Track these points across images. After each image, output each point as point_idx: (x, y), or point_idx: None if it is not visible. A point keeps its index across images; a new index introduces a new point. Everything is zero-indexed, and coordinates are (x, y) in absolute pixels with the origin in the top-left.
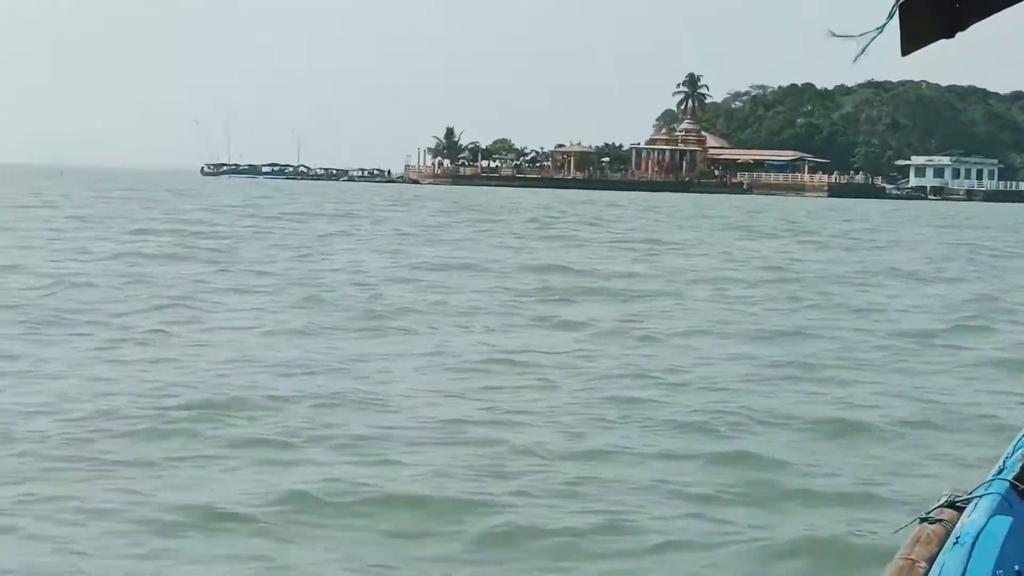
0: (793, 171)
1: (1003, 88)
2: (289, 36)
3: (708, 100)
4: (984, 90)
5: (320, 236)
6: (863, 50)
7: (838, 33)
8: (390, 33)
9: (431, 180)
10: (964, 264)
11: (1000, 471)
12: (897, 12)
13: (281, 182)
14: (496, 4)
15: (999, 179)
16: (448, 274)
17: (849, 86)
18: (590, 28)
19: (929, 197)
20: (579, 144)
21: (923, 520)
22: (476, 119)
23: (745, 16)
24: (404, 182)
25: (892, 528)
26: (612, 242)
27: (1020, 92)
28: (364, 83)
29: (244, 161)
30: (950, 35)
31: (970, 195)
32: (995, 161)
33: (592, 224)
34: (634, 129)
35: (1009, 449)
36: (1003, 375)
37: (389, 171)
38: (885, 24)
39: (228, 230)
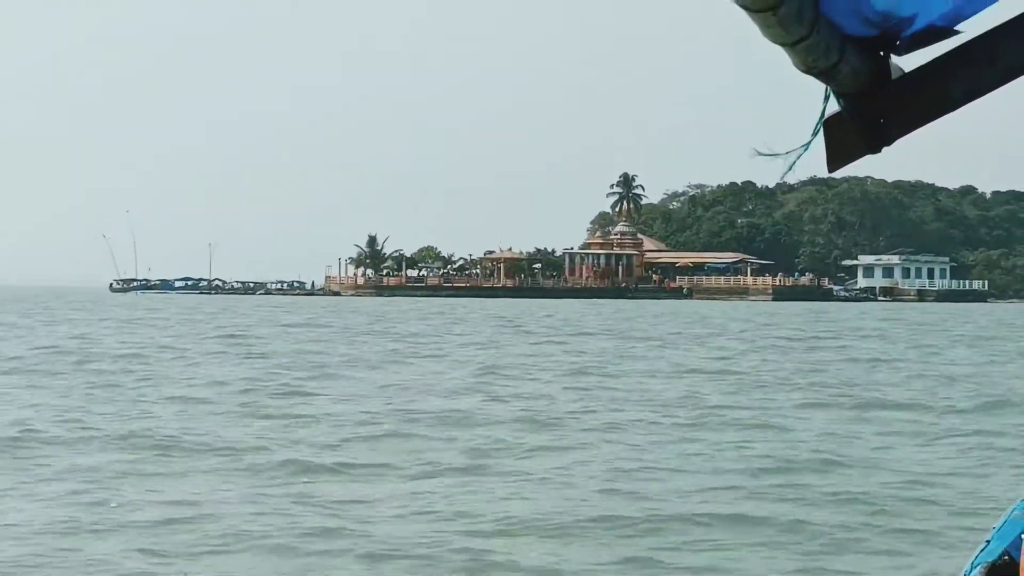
0: (735, 274)
1: (952, 183)
2: (200, 137)
3: (644, 201)
4: (932, 185)
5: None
6: (789, 168)
7: (763, 151)
8: (308, 137)
9: (353, 291)
10: None
11: None
12: (822, 129)
13: (195, 297)
14: (419, 107)
15: (951, 278)
16: None
17: (791, 184)
18: (520, 129)
19: (879, 298)
20: (510, 250)
21: None
22: (401, 227)
23: (681, 114)
24: (325, 294)
25: None
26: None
27: (970, 187)
28: (281, 191)
29: (154, 275)
30: (876, 151)
31: (921, 295)
32: (946, 259)
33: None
34: (570, 233)
35: (967, 566)
36: None
37: (313, 283)
38: (810, 141)
39: None
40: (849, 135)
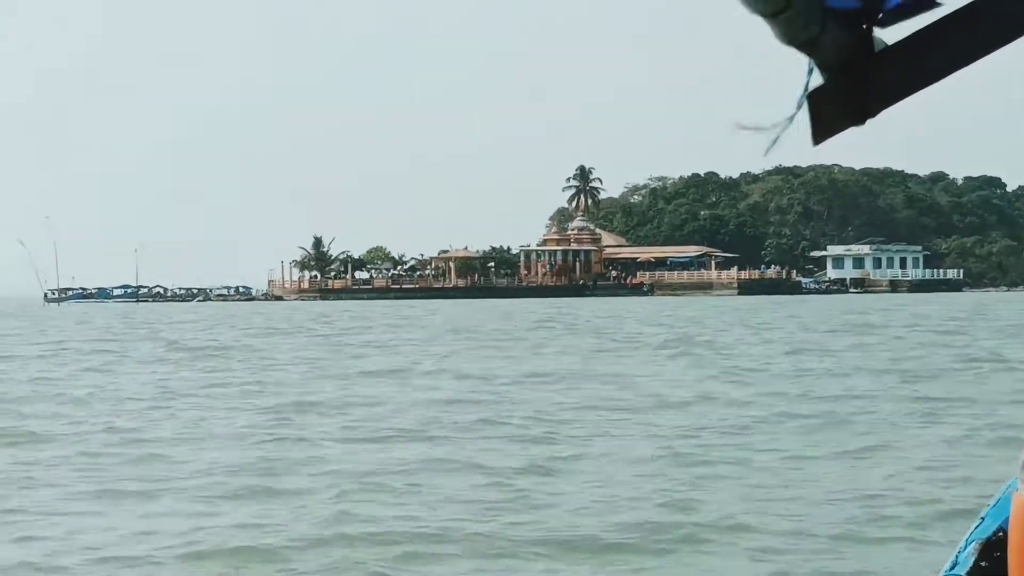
0: (699, 268)
1: (922, 169)
2: (124, 137)
3: (603, 195)
4: (902, 172)
5: None
6: (773, 142)
7: (746, 125)
8: (246, 136)
9: (296, 296)
10: None
11: (953, 566)
12: (806, 102)
13: (132, 306)
14: (370, 96)
15: (924, 267)
16: None
17: (756, 174)
18: (475, 122)
19: (850, 290)
20: (465, 249)
21: None
22: (350, 228)
23: (640, 103)
24: (267, 299)
25: None
26: None
27: (941, 173)
28: (216, 190)
29: (78, 283)
30: (861, 122)
31: (894, 286)
32: (919, 248)
33: None
34: (529, 231)
35: (962, 543)
36: None
37: (260, 289)
38: (794, 115)
39: None
40: (833, 108)
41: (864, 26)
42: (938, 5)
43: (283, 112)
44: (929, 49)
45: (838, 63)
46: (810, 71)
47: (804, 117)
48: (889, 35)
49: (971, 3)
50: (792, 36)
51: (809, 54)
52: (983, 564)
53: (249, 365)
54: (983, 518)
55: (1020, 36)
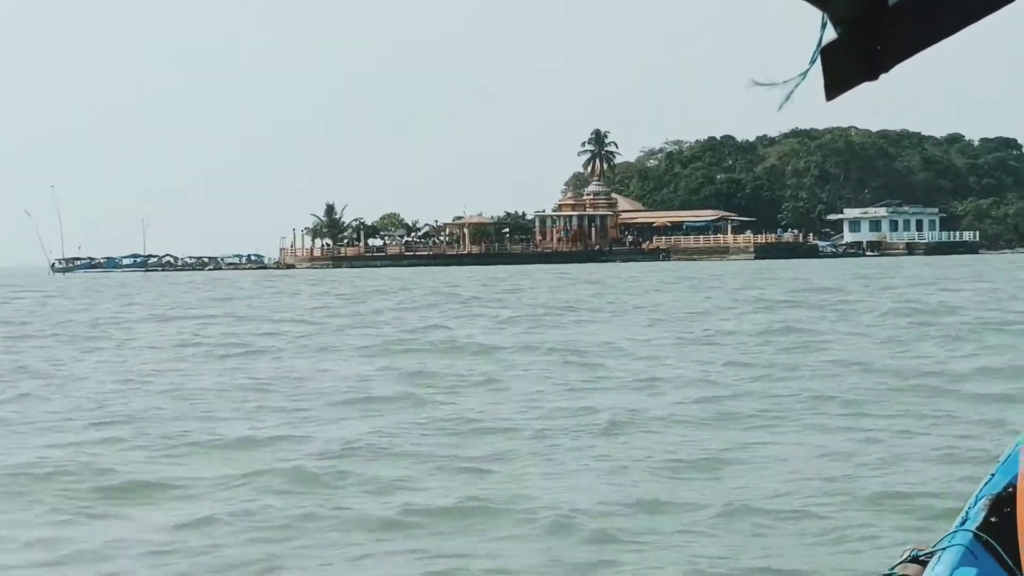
0: (715, 232)
1: (938, 131)
2: (126, 102)
3: (619, 159)
4: (919, 134)
5: None
6: (787, 97)
7: (761, 81)
8: (255, 101)
9: (308, 263)
10: None
11: (963, 522)
12: (819, 57)
13: (141, 276)
14: (382, 67)
15: (941, 229)
16: None
17: (772, 136)
18: (489, 87)
19: (866, 253)
20: (480, 215)
21: None
22: (364, 196)
23: (656, 66)
24: (279, 267)
25: None
26: None
27: (958, 135)
28: (226, 157)
29: (84, 253)
30: (874, 77)
31: (911, 248)
32: (935, 210)
33: None
34: (545, 197)
35: (971, 499)
36: None
37: (272, 257)
38: (808, 70)
39: None
40: (846, 62)
41: None
42: None
43: (293, 74)
44: (943, 3)
45: (852, 18)
46: (824, 26)
47: (818, 72)
48: None
49: None
50: None
51: (823, 9)
52: (993, 519)
53: None
54: (993, 474)
55: None
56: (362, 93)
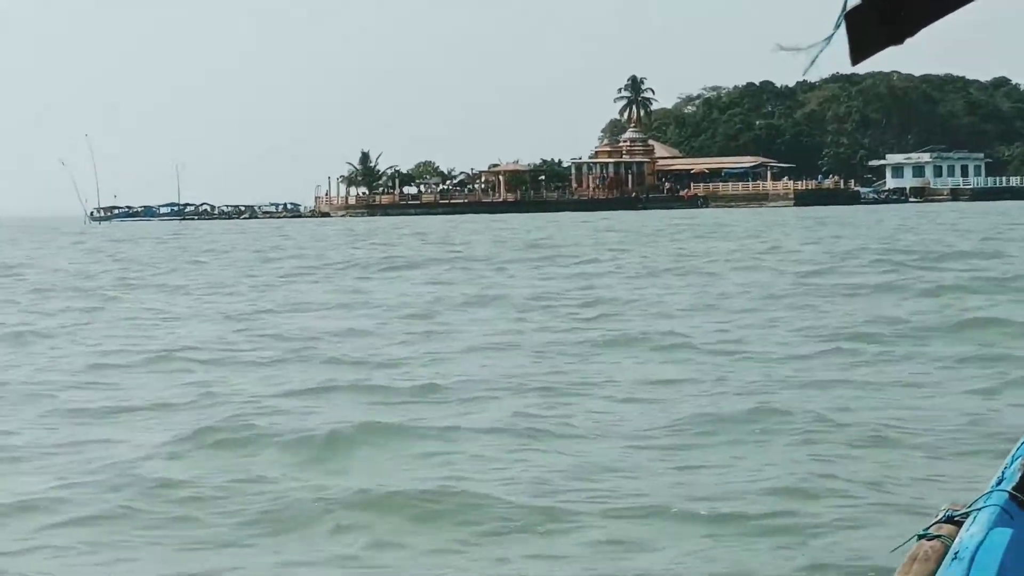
0: (755, 179)
1: (983, 75)
2: (161, 52)
3: (655, 106)
4: (963, 78)
5: None
6: (812, 62)
7: (785, 46)
8: (292, 51)
9: (343, 212)
10: None
11: (999, 482)
12: (843, 22)
13: (181, 223)
14: (414, 15)
15: (986, 175)
16: None
17: (812, 82)
18: (523, 33)
19: (910, 199)
20: (516, 163)
21: (921, 537)
22: (400, 143)
23: (692, 12)
24: (314, 215)
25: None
26: None
27: (1004, 78)
28: (260, 106)
29: (121, 201)
30: (899, 42)
31: (955, 194)
32: (981, 156)
33: None
34: (582, 144)
35: (1008, 459)
36: None
37: (307, 206)
38: (832, 35)
39: None
40: (871, 26)
41: None
42: None
43: (327, 22)
44: None
45: None
46: None
47: (843, 37)
48: None
49: None
50: None
51: None
52: None
53: None
54: None
55: None
56: (395, 39)
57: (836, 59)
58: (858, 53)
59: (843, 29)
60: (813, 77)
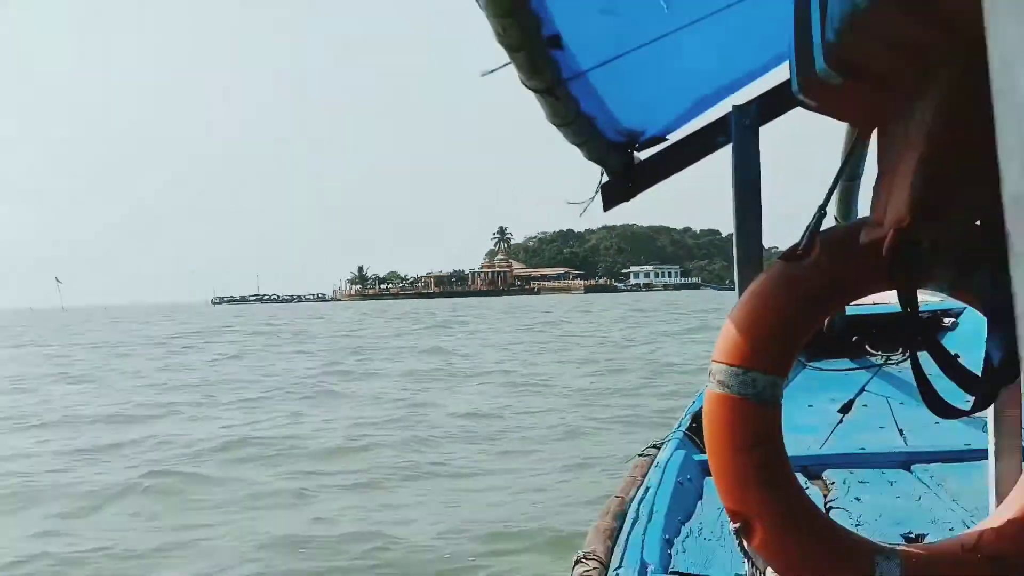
0: (563, 279)
1: (678, 224)
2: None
3: (513, 241)
4: (668, 227)
5: None
6: (583, 210)
7: (572, 202)
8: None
9: (348, 298)
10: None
11: (678, 426)
12: (600, 190)
13: (274, 307)
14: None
15: (680, 277)
16: None
17: (593, 228)
18: (437, 190)
19: (642, 289)
20: (440, 271)
21: (640, 455)
22: (379, 257)
23: (533, 183)
24: (334, 299)
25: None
26: None
27: (688, 227)
28: (286, 226)
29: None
30: (628, 200)
31: (665, 287)
32: (677, 267)
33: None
34: (472, 259)
35: (685, 414)
36: None
37: (325, 294)
38: (593, 196)
39: None
40: (614, 192)
41: (629, 151)
42: (666, 140)
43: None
44: (662, 164)
45: (616, 170)
46: (602, 173)
47: (599, 197)
48: (642, 155)
49: (679, 139)
50: (590, 157)
51: (601, 165)
52: (693, 424)
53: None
54: (695, 401)
55: (704, 156)
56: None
57: (606, 217)
58: (608, 205)
59: (600, 195)
60: (585, 219)
